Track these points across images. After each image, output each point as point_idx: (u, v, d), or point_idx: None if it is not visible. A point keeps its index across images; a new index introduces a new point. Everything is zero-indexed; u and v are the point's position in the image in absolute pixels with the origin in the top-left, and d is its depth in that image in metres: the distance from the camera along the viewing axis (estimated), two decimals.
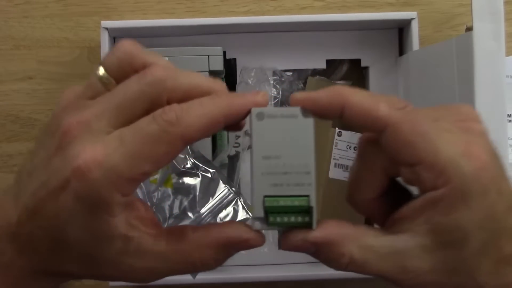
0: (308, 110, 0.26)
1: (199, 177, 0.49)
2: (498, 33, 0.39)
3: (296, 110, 0.26)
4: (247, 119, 0.27)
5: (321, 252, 0.26)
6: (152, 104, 0.26)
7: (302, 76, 0.56)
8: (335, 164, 0.54)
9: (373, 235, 0.26)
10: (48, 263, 0.27)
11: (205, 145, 0.52)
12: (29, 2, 0.57)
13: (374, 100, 0.26)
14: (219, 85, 0.28)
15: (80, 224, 0.25)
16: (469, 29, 0.40)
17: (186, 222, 0.47)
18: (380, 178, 0.28)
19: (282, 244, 0.27)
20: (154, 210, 0.47)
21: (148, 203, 0.47)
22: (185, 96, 0.26)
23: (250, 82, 0.55)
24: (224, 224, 0.28)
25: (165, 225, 0.47)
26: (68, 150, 0.25)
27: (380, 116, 0.26)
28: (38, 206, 0.26)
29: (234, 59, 0.55)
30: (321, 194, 0.53)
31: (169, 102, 0.26)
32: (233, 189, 0.48)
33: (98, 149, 0.24)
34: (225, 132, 0.55)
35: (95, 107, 0.26)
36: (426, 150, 0.25)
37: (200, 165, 0.49)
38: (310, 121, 0.27)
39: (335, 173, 0.54)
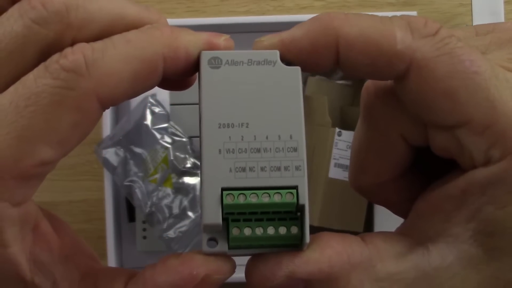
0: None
1: (199, 176, 0.49)
2: None
3: (273, 54, 0.18)
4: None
5: None
6: (47, 53, 0.16)
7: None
8: (335, 164, 0.54)
9: (393, 255, 0.17)
10: None
11: None
12: None
13: (384, 26, 0.17)
14: (155, 15, 0.18)
15: None
16: None
17: (186, 222, 0.47)
18: (398, 150, 0.19)
19: (251, 276, 0.18)
20: (154, 210, 0.47)
21: (149, 203, 0.47)
22: (102, 36, 0.17)
23: None
24: (165, 263, 0.17)
25: (165, 225, 0.47)
26: None
27: (398, 51, 0.16)
28: None
29: None
30: (321, 194, 0.53)
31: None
32: None
33: None
34: None
35: None
36: (475, 102, 0.16)
37: None
38: (295, 70, 0.18)
39: (335, 173, 0.54)
